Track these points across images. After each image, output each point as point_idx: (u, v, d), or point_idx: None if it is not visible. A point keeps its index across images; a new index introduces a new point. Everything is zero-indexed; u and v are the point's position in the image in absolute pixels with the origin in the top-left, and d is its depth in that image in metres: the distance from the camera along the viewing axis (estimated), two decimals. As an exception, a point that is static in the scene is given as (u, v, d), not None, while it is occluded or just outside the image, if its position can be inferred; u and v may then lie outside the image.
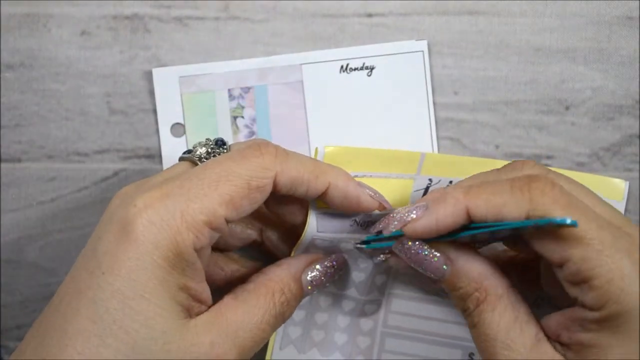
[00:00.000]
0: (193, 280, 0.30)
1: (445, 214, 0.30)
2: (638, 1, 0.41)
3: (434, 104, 0.42)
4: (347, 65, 0.42)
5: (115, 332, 0.28)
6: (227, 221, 0.31)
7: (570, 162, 0.41)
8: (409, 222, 0.31)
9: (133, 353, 0.28)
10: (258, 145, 0.32)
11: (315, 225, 0.35)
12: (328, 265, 0.35)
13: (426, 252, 0.32)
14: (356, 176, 0.36)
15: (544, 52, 0.41)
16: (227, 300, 0.32)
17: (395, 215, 0.32)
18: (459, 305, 0.32)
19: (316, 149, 0.36)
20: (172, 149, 0.42)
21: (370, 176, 0.36)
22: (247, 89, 0.42)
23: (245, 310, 0.31)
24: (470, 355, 0.38)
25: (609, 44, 0.41)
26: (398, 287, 0.38)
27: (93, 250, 0.30)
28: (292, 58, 0.42)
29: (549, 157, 0.42)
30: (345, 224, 0.35)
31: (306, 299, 0.35)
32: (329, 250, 0.36)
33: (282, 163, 0.32)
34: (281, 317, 0.33)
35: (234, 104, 0.42)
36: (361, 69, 0.42)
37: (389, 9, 0.41)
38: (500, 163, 0.34)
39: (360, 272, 0.37)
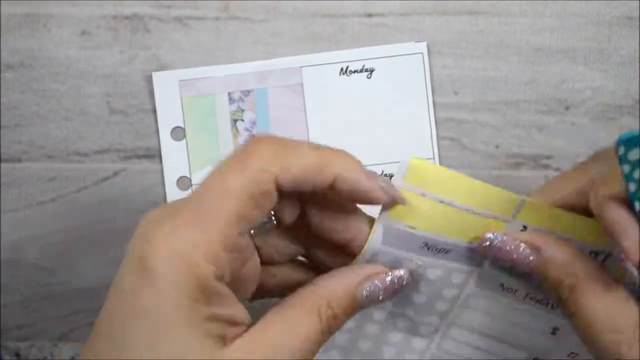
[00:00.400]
0: (221, 307, 0.29)
1: None
2: (638, 1, 0.41)
3: (434, 104, 0.42)
4: (347, 67, 0.42)
5: None
6: (246, 233, 0.30)
7: (570, 162, 0.41)
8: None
9: None
10: (255, 143, 0.31)
11: (381, 237, 0.32)
12: (390, 280, 0.32)
13: (513, 244, 0.30)
14: (442, 202, 0.32)
15: (544, 52, 0.41)
16: (269, 316, 0.30)
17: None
18: (553, 296, 0.30)
19: (401, 160, 0.32)
20: (172, 152, 0.42)
21: (456, 206, 0.32)
22: (247, 92, 0.42)
23: (288, 329, 0.29)
24: None
25: (609, 44, 0.41)
26: (462, 317, 0.35)
27: (121, 289, 0.29)
28: (292, 61, 0.42)
29: (549, 157, 0.42)
30: (414, 244, 0.33)
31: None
32: (389, 267, 0.33)
33: (282, 161, 0.30)
34: (328, 333, 0.30)
35: (234, 107, 0.42)
36: (361, 71, 0.42)
37: (389, 9, 0.41)
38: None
39: (420, 294, 0.35)
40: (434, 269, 0.34)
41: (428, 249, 0.33)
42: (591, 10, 0.41)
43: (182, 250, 0.28)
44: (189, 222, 0.29)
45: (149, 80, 0.42)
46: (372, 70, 0.42)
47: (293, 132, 0.42)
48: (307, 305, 0.30)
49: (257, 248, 0.33)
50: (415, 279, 0.34)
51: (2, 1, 0.42)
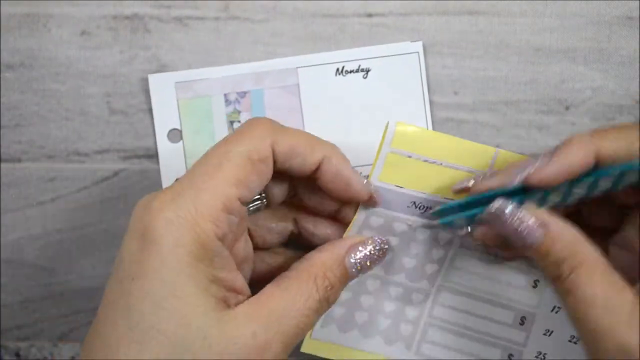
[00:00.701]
0: (223, 270, 0.30)
1: (576, 158, 0.30)
2: (638, 1, 0.41)
3: (433, 103, 0.42)
4: (343, 67, 0.42)
5: (153, 335, 0.28)
6: (242, 202, 0.31)
7: (570, 162, 0.41)
8: (535, 171, 0.31)
9: (174, 354, 0.28)
10: (252, 120, 0.32)
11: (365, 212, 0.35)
12: (373, 247, 0.34)
13: (521, 216, 0.31)
14: (426, 161, 0.35)
15: (544, 52, 0.41)
16: (268, 288, 0.31)
17: (512, 168, 0.32)
18: (551, 272, 0.31)
19: (387, 124, 0.35)
20: (169, 154, 0.42)
21: (440, 164, 0.35)
22: (243, 94, 0.42)
23: (287, 298, 0.31)
24: (510, 356, 0.38)
25: (609, 44, 0.41)
26: (449, 279, 0.38)
27: (120, 260, 0.30)
28: (288, 62, 0.42)
29: (549, 157, 0.42)
30: (403, 203, 0.35)
31: (353, 280, 0.35)
32: (381, 231, 0.36)
33: (278, 133, 0.32)
34: (325, 302, 0.32)
35: (231, 108, 0.42)
36: (357, 71, 0.42)
37: (389, 9, 0.41)
38: None
39: (411, 258, 0.37)
40: (423, 229, 0.36)
41: (416, 207, 0.35)
42: (591, 10, 0.41)
43: (182, 211, 0.29)
44: (187, 187, 0.30)
45: (146, 81, 0.42)
46: (368, 71, 0.42)
47: None
48: (304, 277, 0.32)
49: (250, 232, 0.35)
50: (405, 241, 0.36)
51: (2, 1, 0.42)
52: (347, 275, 0.33)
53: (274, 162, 0.32)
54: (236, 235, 0.32)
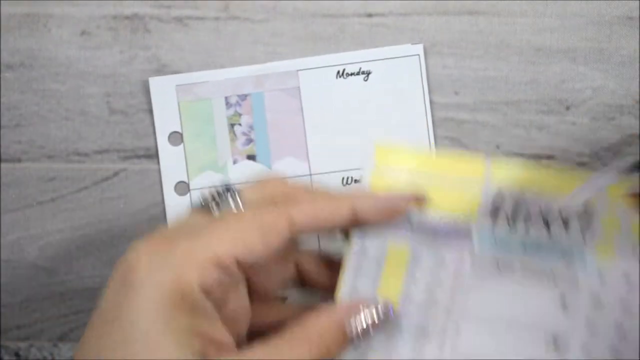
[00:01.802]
0: (205, 323, 0.27)
1: None
2: (638, 1, 0.41)
3: (434, 103, 0.42)
4: (344, 70, 0.42)
5: None
6: (241, 262, 0.28)
7: (570, 162, 0.41)
8: None
9: None
10: (267, 190, 0.30)
11: (359, 245, 0.32)
12: (375, 310, 0.31)
13: None
14: (417, 174, 0.33)
15: (544, 52, 0.41)
16: (256, 346, 0.28)
17: None
18: None
19: (369, 150, 0.33)
20: (170, 157, 0.42)
21: (430, 179, 0.33)
22: (244, 97, 0.42)
23: (276, 355, 0.28)
24: None
25: (609, 44, 0.41)
26: (468, 310, 0.34)
27: (101, 301, 0.28)
28: (288, 64, 0.42)
29: (549, 157, 0.41)
30: (401, 224, 0.33)
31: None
32: (379, 259, 0.33)
33: (292, 205, 0.29)
34: None
35: (231, 111, 0.42)
36: (357, 73, 0.42)
37: (389, 9, 0.41)
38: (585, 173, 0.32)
39: (418, 287, 0.34)
40: (426, 253, 0.33)
41: (413, 229, 0.33)
42: (591, 10, 0.41)
43: (169, 256, 0.27)
44: (185, 234, 0.28)
45: (147, 82, 0.42)
46: (368, 73, 0.42)
47: (290, 135, 0.42)
48: (298, 340, 0.29)
49: (248, 281, 0.32)
50: (410, 269, 0.33)
51: (2, 1, 0.42)
52: (346, 341, 0.30)
53: (296, 231, 0.29)
54: (228, 289, 0.29)
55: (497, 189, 0.33)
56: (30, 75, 0.42)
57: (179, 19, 0.42)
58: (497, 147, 0.42)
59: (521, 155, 0.42)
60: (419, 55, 0.41)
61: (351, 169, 0.42)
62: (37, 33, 0.42)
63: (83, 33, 0.42)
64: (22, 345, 0.43)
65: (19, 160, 0.42)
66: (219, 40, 0.42)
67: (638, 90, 0.41)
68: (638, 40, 0.41)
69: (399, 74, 0.41)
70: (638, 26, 0.41)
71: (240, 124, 0.42)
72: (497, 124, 0.42)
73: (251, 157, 0.42)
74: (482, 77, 0.42)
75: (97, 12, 0.42)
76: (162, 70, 0.42)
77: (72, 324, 0.43)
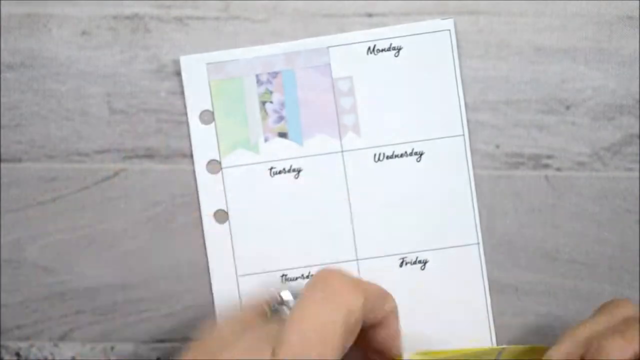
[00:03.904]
0: None
1: None
2: (638, 1, 0.41)
3: (463, 80, 0.42)
4: (374, 46, 0.41)
5: None
6: None
7: (570, 161, 0.41)
8: None
9: None
10: (329, 276, 0.30)
11: None
12: None
13: None
14: None
15: (544, 51, 0.41)
16: None
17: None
18: None
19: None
20: (201, 136, 0.42)
21: None
22: (274, 74, 0.42)
23: None
24: None
25: (609, 43, 0.41)
26: None
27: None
28: (319, 41, 0.41)
29: (549, 157, 0.41)
30: None
31: None
32: None
33: (360, 287, 0.30)
34: None
35: (262, 89, 0.42)
36: (388, 49, 0.41)
37: (389, 9, 0.41)
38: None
39: None
40: None
41: None
42: (592, 10, 0.41)
43: None
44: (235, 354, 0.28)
45: (150, 79, 0.42)
46: (399, 49, 0.41)
47: (322, 113, 0.42)
48: None
49: None
50: None
51: (2, 1, 0.42)
52: None
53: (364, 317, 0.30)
54: None
55: None
56: (30, 75, 0.42)
57: (179, 19, 0.42)
58: (497, 146, 0.42)
59: (521, 155, 0.42)
60: (449, 30, 0.41)
61: (383, 145, 0.42)
62: (37, 33, 0.42)
63: (83, 33, 0.42)
64: (23, 345, 0.43)
65: (19, 160, 0.42)
66: (219, 40, 0.42)
67: (638, 90, 0.41)
68: (638, 40, 0.41)
69: (430, 49, 0.41)
70: (638, 26, 0.41)
71: (271, 102, 0.42)
72: (497, 123, 0.42)
73: (282, 135, 0.42)
74: (482, 76, 0.42)
75: (97, 12, 0.42)
76: (162, 70, 0.42)
77: (72, 324, 0.43)
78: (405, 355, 0.35)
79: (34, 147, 0.42)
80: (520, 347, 0.36)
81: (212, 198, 0.42)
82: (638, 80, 0.41)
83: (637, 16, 0.41)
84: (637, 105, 0.41)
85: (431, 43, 0.41)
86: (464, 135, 0.41)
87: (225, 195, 0.42)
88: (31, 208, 0.43)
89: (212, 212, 0.42)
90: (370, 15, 0.42)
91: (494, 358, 0.36)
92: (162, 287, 0.43)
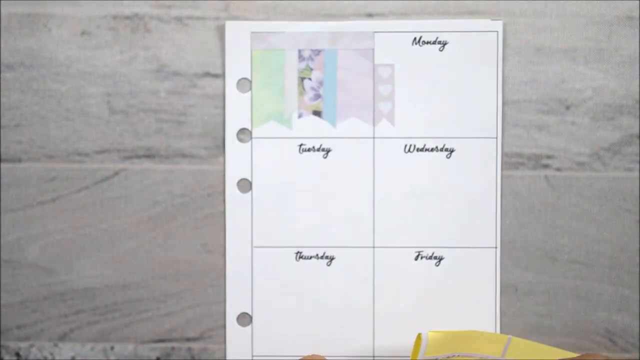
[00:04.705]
0: None
1: None
2: (638, 1, 0.41)
3: (504, 84, 0.41)
4: (420, 37, 0.41)
5: None
6: None
7: (570, 161, 0.41)
8: None
9: None
10: None
11: None
12: None
13: None
14: (452, 357, 0.37)
15: (544, 51, 0.41)
16: None
17: None
18: None
19: (419, 335, 0.37)
20: (235, 103, 0.42)
21: (460, 356, 0.37)
22: (317, 52, 0.42)
23: None
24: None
25: (609, 43, 0.41)
26: None
27: None
28: (365, 25, 0.41)
29: (549, 157, 0.41)
30: None
31: None
32: None
33: None
34: None
35: (303, 65, 0.42)
36: (434, 43, 0.41)
37: (389, 9, 0.41)
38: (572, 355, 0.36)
39: None
40: None
41: None
42: (591, 10, 0.41)
43: None
44: None
45: (151, 79, 0.42)
46: (445, 44, 0.41)
47: (358, 97, 0.41)
48: None
49: None
50: None
51: (2, 1, 0.42)
52: None
53: None
54: None
55: None
56: (30, 75, 0.42)
57: (179, 19, 0.42)
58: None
59: (520, 155, 0.42)
60: (497, 32, 0.41)
61: (416, 137, 0.42)
62: (37, 33, 0.42)
63: (83, 33, 0.42)
64: (23, 345, 0.43)
65: (19, 160, 0.42)
66: (219, 40, 0.42)
67: (638, 89, 0.41)
68: (638, 39, 0.41)
69: (475, 49, 0.41)
70: (638, 26, 0.41)
71: (310, 79, 0.42)
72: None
73: (317, 113, 0.42)
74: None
75: (97, 12, 0.42)
76: (162, 70, 0.42)
77: (72, 324, 0.43)
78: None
79: (33, 147, 0.42)
80: (525, 341, 0.37)
81: (238, 166, 0.42)
82: (638, 80, 0.41)
83: (637, 16, 0.41)
84: (637, 105, 0.41)
85: (478, 42, 0.41)
86: (496, 137, 0.41)
87: (252, 165, 0.42)
88: (31, 208, 0.43)
89: (236, 180, 0.42)
90: (370, 15, 0.42)
91: (502, 348, 0.37)
92: (162, 287, 0.43)
